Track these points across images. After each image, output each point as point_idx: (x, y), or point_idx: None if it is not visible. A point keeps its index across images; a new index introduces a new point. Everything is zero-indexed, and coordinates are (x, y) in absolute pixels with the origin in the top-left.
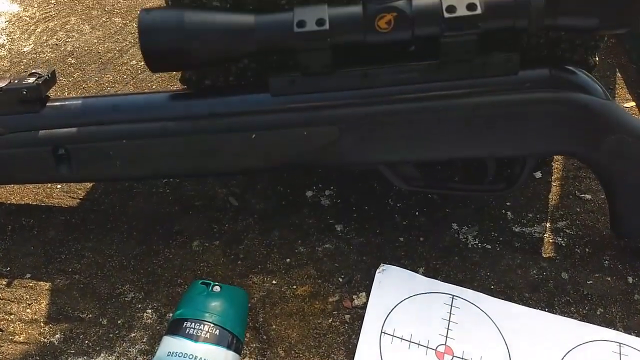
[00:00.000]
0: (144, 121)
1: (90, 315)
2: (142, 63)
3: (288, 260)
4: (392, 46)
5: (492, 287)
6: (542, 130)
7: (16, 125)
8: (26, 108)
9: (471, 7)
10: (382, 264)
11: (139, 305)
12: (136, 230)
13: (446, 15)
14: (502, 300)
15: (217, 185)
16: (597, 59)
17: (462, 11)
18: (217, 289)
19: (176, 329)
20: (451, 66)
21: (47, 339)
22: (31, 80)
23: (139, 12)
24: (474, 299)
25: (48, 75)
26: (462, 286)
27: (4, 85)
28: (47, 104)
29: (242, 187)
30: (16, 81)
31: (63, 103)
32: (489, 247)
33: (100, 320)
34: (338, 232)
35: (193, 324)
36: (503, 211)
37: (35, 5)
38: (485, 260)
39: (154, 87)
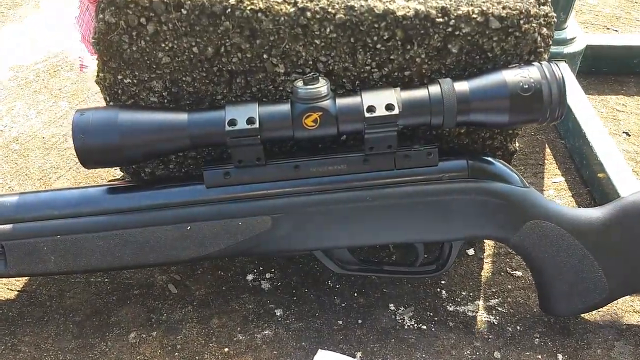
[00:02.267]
0: (79, 216)
1: None
2: None
3: (226, 349)
4: (321, 141)
5: None
6: (463, 217)
7: None
8: None
9: (389, 107)
10: (319, 350)
11: None
12: (72, 322)
13: (367, 114)
14: None
15: (157, 272)
16: (517, 144)
17: (381, 111)
18: None
19: None
20: (376, 158)
21: None
22: None
23: (74, 113)
24: None
25: None
26: None
27: None
28: None
29: (182, 273)
30: None
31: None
32: (425, 327)
33: None
34: (278, 317)
35: None
36: (438, 290)
37: None
38: (420, 342)
39: (97, 171)
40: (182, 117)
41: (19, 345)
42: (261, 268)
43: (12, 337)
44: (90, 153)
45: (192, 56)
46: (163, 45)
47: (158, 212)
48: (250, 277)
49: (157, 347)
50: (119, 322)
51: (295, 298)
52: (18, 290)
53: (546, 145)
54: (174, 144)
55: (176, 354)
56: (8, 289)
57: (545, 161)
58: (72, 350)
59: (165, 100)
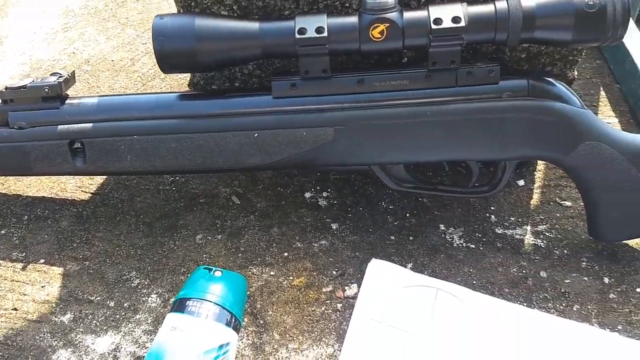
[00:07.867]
0: (154, 118)
1: (99, 298)
2: (152, 70)
3: (286, 254)
4: (386, 55)
5: (474, 282)
6: (521, 136)
7: (37, 120)
8: (47, 105)
9: (455, 19)
10: (373, 259)
11: (144, 291)
12: (143, 223)
13: (433, 26)
14: (482, 294)
15: (221, 185)
16: (575, 72)
17: (447, 23)
18: (218, 273)
19: (179, 307)
20: (438, 75)
21: (58, 318)
22: (52, 79)
23: (153, 18)
24: (457, 292)
25: (68, 75)
26: (446, 281)
27: (27, 83)
28: (66, 102)
29: (244, 187)
30: (39, 80)
31: (80, 101)
32: (473, 246)
33: (108, 302)
34: (333, 230)
35: (195, 302)
36: (487, 214)
37: (56, 17)
38: (468, 259)
39: None
40: (254, 25)
41: (93, 240)
42: (318, 187)
43: (86, 233)
44: (168, 56)
45: None
46: None
47: (228, 119)
48: (308, 194)
49: (221, 247)
50: (187, 225)
51: (350, 215)
52: (92, 193)
53: (601, 89)
54: (245, 52)
55: (239, 254)
56: (82, 191)
57: (600, 103)
58: (142, 247)
59: (235, 15)
